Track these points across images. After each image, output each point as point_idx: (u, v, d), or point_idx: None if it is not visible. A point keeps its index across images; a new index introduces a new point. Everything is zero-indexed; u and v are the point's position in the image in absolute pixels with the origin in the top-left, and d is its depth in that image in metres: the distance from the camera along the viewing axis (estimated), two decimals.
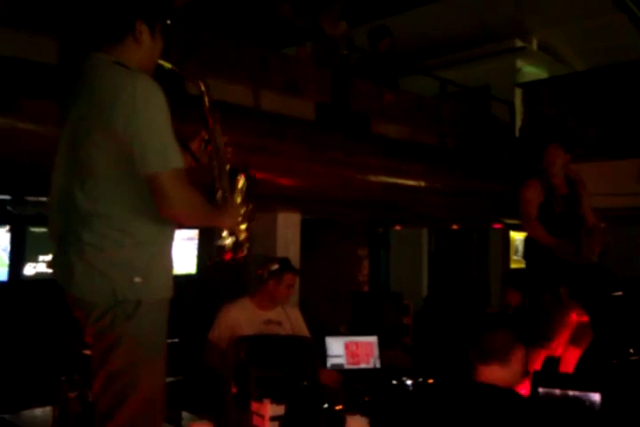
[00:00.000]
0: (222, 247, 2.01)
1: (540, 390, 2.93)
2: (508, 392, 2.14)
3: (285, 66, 4.68)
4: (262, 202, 4.22)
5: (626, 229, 7.40)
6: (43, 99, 2.93)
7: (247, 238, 2.07)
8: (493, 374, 2.16)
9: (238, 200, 2.06)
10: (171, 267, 1.93)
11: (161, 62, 1.99)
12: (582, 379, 3.05)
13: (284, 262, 3.72)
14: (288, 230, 4.52)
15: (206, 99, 2.04)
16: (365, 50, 6.09)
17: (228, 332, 3.41)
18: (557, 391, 2.94)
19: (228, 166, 2.05)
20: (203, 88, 2.04)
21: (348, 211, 5.36)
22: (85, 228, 1.76)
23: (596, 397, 2.88)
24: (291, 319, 3.68)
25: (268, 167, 3.94)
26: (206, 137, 2.05)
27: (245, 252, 2.07)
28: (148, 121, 1.72)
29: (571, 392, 2.93)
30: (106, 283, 1.75)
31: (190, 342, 3.26)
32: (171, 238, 1.93)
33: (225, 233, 2.01)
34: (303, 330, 3.73)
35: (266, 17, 5.38)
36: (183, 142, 1.99)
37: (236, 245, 2.04)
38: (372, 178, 4.68)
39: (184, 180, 1.77)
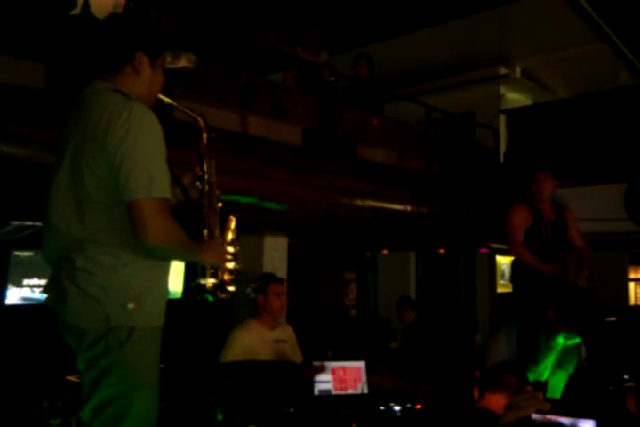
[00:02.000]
0: (202, 286, 1.94)
1: (534, 416, 2.93)
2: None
3: (272, 91, 4.73)
4: (249, 226, 4.24)
5: (611, 254, 7.47)
6: (30, 123, 2.93)
7: (232, 280, 2.00)
8: (497, 402, 2.47)
9: (228, 239, 2.03)
10: (165, 294, 1.91)
11: (161, 97, 2.00)
12: (576, 405, 3.05)
13: (265, 276, 3.83)
14: (275, 254, 4.52)
15: (204, 136, 2.04)
16: (351, 76, 6.17)
17: (243, 356, 3.43)
18: (551, 418, 2.94)
19: (220, 204, 2.03)
20: (202, 125, 2.04)
21: (334, 235, 5.38)
22: (79, 253, 1.75)
23: (591, 424, 2.88)
24: (290, 338, 3.77)
25: (255, 191, 3.95)
26: (200, 173, 2.04)
27: (229, 293, 1.99)
28: (137, 148, 1.72)
29: (564, 419, 2.92)
30: (99, 309, 1.73)
31: (177, 368, 3.23)
32: (166, 266, 1.90)
33: (207, 272, 1.94)
34: (297, 349, 3.80)
35: (251, 43, 5.46)
36: (175, 177, 1.99)
37: (219, 285, 1.96)
38: (359, 202, 4.70)
39: (165, 211, 1.75)
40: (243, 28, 6.30)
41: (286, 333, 3.77)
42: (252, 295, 3.68)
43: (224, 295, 1.98)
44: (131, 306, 1.75)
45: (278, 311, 3.68)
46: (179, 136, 2.66)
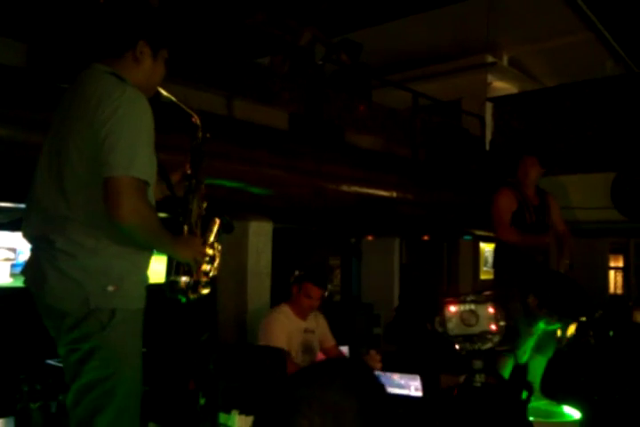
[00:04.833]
0: (174, 283, 1.91)
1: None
2: None
3: (259, 75, 4.68)
4: (234, 210, 4.21)
5: (592, 243, 7.55)
6: (10, 102, 2.87)
7: (207, 282, 1.97)
8: None
9: (209, 240, 2.00)
10: (145, 278, 1.88)
11: (159, 90, 1.98)
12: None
13: (309, 271, 3.70)
14: (260, 239, 4.49)
15: (200, 135, 2.03)
16: (339, 61, 6.12)
17: (284, 341, 3.38)
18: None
19: (205, 204, 2.01)
20: (198, 123, 2.03)
21: (320, 220, 5.36)
22: (60, 233, 1.72)
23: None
24: (319, 326, 3.71)
25: (241, 175, 3.92)
26: (189, 172, 2.01)
27: (202, 294, 1.96)
28: (123, 126, 1.70)
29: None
30: (79, 291, 1.71)
31: (158, 353, 3.20)
32: (148, 250, 1.88)
33: (181, 269, 1.91)
34: (329, 338, 3.76)
35: (240, 25, 5.39)
36: (164, 171, 1.97)
37: (192, 284, 1.93)
38: (345, 188, 4.69)
39: (142, 192, 1.71)
40: (231, 10, 6.20)
41: (317, 321, 3.70)
42: (291, 279, 3.63)
43: (195, 296, 1.95)
44: (110, 288, 1.73)
45: (307, 310, 3.60)
46: (164, 119, 2.62)
